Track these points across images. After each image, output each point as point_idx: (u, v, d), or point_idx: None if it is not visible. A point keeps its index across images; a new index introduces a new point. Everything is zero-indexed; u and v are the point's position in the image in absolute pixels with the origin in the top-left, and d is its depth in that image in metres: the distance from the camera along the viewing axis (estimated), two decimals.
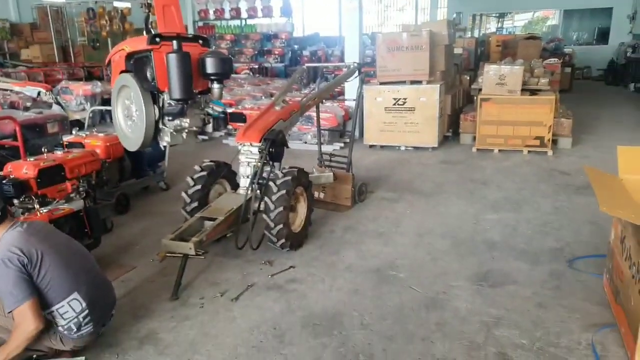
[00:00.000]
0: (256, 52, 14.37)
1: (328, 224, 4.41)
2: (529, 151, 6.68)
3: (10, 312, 2.34)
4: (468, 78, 9.15)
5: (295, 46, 14.67)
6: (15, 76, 10.41)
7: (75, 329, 2.49)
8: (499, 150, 6.80)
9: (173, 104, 3.00)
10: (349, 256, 3.77)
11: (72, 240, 2.72)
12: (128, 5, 15.11)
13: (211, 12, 14.50)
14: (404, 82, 6.96)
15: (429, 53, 6.75)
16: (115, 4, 15.12)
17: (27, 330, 2.33)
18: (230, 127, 8.15)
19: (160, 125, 3.07)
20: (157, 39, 2.85)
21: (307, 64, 6.45)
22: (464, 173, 5.95)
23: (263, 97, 9.17)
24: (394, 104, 7.01)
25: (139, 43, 2.98)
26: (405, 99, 6.94)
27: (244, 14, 14.25)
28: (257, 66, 13.90)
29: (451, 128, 7.77)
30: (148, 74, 2.98)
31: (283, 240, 3.70)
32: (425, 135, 7.01)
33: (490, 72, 6.71)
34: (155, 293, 3.26)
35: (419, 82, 6.89)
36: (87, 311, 2.50)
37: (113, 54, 3.15)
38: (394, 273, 3.48)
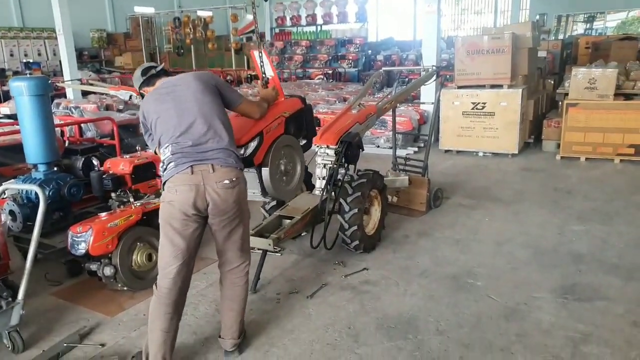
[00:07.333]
0: (330, 58, 14.53)
1: (402, 228, 4.37)
2: (621, 160, 6.23)
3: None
4: (552, 82, 8.70)
5: (369, 51, 14.66)
6: (110, 81, 11.33)
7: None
8: (586, 159, 6.40)
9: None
10: (423, 262, 3.72)
11: None
12: (210, 14, 15.91)
13: (288, 19, 14.90)
14: (483, 86, 6.78)
15: (511, 56, 6.54)
16: (199, 12, 15.99)
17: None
18: None
19: None
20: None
21: (383, 68, 6.44)
22: (547, 181, 5.66)
23: (337, 102, 9.26)
24: (472, 108, 6.83)
25: (293, 105, 3.53)
26: (484, 103, 6.75)
27: (319, 20, 14.49)
28: (330, 71, 14.06)
29: (533, 134, 7.42)
30: (297, 129, 3.56)
31: (357, 242, 3.71)
32: (504, 141, 6.76)
33: (579, 75, 6.34)
34: None
35: (500, 86, 6.68)
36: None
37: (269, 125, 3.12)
38: (471, 281, 3.38)
